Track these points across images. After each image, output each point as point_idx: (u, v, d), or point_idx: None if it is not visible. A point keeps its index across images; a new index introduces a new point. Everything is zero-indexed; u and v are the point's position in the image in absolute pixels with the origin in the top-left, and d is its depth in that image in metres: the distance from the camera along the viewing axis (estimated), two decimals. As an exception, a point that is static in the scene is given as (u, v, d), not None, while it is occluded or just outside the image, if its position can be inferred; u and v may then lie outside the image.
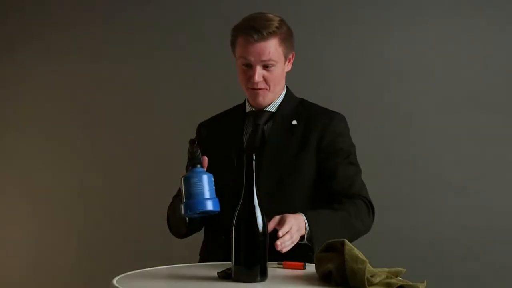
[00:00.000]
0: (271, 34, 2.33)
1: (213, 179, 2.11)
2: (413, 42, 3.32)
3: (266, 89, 2.39)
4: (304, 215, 2.19)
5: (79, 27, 3.73)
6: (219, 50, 3.53)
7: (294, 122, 2.42)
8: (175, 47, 3.60)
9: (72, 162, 3.74)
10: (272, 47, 2.34)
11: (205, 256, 2.48)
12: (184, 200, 2.10)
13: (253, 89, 2.39)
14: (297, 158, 2.36)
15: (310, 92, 3.08)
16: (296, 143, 2.38)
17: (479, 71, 3.26)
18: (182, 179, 2.11)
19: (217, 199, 2.10)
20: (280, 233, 2.04)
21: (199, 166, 2.13)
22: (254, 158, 1.90)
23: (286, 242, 2.04)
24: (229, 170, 2.36)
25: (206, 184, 2.10)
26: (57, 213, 3.77)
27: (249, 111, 2.47)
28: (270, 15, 2.38)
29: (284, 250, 2.05)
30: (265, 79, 2.38)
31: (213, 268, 2.01)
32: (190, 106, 3.56)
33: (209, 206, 2.08)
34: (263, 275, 1.88)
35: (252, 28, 2.33)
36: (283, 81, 2.45)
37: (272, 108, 2.45)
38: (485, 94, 3.25)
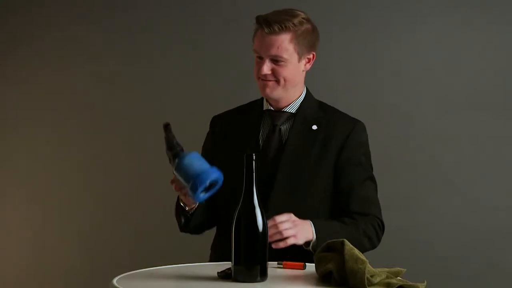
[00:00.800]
0: (283, 30, 2.32)
1: (199, 154, 2.08)
2: (413, 42, 3.31)
3: (276, 82, 2.37)
4: (312, 223, 2.20)
5: (79, 27, 3.73)
6: (220, 50, 3.53)
7: (315, 127, 2.40)
8: (175, 47, 3.60)
9: (73, 162, 3.74)
10: (283, 42, 2.33)
11: (216, 251, 2.48)
12: (188, 187, 2.04)
13: (262, 80, 2.38)
14: (316, 164, 2.35)
15: (310, 92, 3.08)
16: (316, 149, 2.36)
17: (479, 71, 3.26)
18: (174, 171, 2.09)
19: (214, 167, 2.04)
20: (277, 218, 2.08)
21: (179, 149, 2.10)
22: (254, 158, 1.90)
23: (284, 224, 2.09)
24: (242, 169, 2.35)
25: (196, 160, 2.06)
26: (57, 213, 3.76)
27: (266, 110, 2.45)
28: (294, 12, 2.37)
29: (285, 234, 2.09)
30: (274, 73, 2.36)
31: (213, 268, 2.01)
32: (190, 106, 3.56)
33: (212, 175, 2.02)
34: (263, 275, 1.88)
35: (265, 21, 2.33)
36: (299, 80, 2.42)
37: (292, 109, 2.43)
38: (485, 94, 3.25)
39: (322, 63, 3.38)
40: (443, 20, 3.29)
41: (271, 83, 2.38)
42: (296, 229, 2.14)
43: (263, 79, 2.37)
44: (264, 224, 1.88)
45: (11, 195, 3.84)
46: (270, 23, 2.32)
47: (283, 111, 2.43)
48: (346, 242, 1.86)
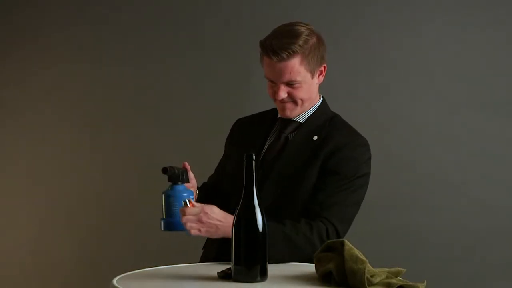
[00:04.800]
0: (291, 55, 2.31)
1: (192, 198, 2.19)
2: (413, 42, 3.31)
3: (293, 103, 2.40)
4: None
5: (80, 27, 3.73)
6: (220, 51, 3.53)
7: (315, 138, 2.40)
8: (175, 47, 3.60)
9: (72, 161, 3.74)
10: (294, 67, 2.33)
11: (208, 251, 2.50)
12: (164, 217, 2.18)
13: (280, 102, 2.40)
14: (304, 170, 2.34)
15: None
16: (309, 157, 2.36)
17: (479, 71, 3.26)
18: (162, 195, 2.20)
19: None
20: (188, 210, 2.12)
21: (179, 183, 2.21)
22: (254, 158, 1.90)
23: (189, 218, 2.12)
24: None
25: (181, 204, 2.17)
26: (57, 213, 3.77)
27: (279, 117, 2.48)
28: (296, 30, 2.34)
29: (187, 227, 2.12)
30: (290, 95, 2.38)
31: (213, 268, 2.01)
32: (191, 105, 3.57)
33: (180, 228, 2.16)
34: (263, 275, 1.88)
35: (271, 49, 2.31)
36: (314, 94, 2.43)
37: (301, 118, 2.44)
38: (485, 94, 3.25)
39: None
40: (443, 20, 3.29)
41: (289, 105, 2.40)
42: (201, 226, 2.14)
43: (281, 101, 2.39)
44: (264, 224, 1.88)
45: (11, 195, 3.84)
46: (277, 51, 2.31)
47: (293, 120, 2.44)
48: (346, 242, 1.86)
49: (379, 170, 3.28)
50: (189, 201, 2.15)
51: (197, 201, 2.34)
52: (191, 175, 2.33)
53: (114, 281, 1.89)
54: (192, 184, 2.33)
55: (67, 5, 3.75)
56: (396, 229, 3.29)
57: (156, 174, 3.57)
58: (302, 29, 2.36)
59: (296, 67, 2.33)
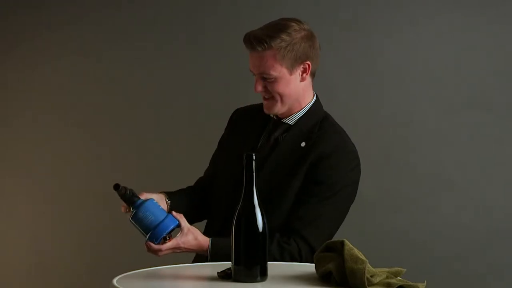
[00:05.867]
0: (265, 48, 2.28)
1: (154, 201, 2.23)
2: (413, 42, 3.32)
3: (272, 99, 2.36)
4: (211, 243, 2.26)
5: (80, 26, 3.73)
6: (220, 50, 3.53)
7: (303, 144, 2.35)
8: (176, 47, 3.60)
9: (72, 161, 3.74)
10: (267, 61, 2.30)
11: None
12: (146, 237, 2.22)
13: (263, 98, 2.38)
14: (288, 182, 2.31)
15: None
16: (295, 165, 2.32)
17: (479, 71, 3.26)
18: (130, 220, 2.25)
19: (170, 214, 2.22)
20: (163, 248, 2.20)
21: (136, 199, 2.25)
22: (254, 158, 1.90)
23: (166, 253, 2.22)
24: (235, 167, 2.35)
25: (152, 209, 2.21)
26: (57, 213, 3.77)
27: (271, 117, 2.44)
28: (283, 24, 2.32)
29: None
30: (267, 90, 2.34)
31: (213, 268, 2.01)
32: (190, 106, 3.57)
33: (170, 225, 2.20)
34: (263, 275, 1.88)
35: (248, 39, 2.31)
36: (298, 93, 2.37)
37: (291, 120, 2.40)
38: (485, 94, 3.25)
39: (322, 63, 3.40)
40: (443, 20, 3.29)
41: (268, 101, 2.36)
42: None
43: (263, 98, 2.37)
44: (264, 224, 1.88)
45: (10, 195, 3.84)
46: (251, 41, 2.29)
47: (282, 122, 2.40)
48: (346, 242, 1.86)
49: (379, 170, 3.29)
50: (169, 238, 2.21)
51: (182, 208, 2.38)
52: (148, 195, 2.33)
53: (114, 281, 1.89)
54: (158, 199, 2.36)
55: (67, 5, 3.75)
56: (396, 229, 3.29)
57: (156, 173, 3.60)
58: (291, 23, 2.32)
59: (269, 61, 2.29)
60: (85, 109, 3.74)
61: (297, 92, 2.37)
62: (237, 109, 2.59)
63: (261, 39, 2.28)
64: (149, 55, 3.64)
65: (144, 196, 2.29)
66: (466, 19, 3.27)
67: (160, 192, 2.43)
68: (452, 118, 3.27)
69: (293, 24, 2.32)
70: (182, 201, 2.46)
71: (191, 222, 2.37)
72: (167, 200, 2.40)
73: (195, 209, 2.50)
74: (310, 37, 2.36)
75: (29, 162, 3.81)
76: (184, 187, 2.59)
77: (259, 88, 2.34)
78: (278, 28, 2.31)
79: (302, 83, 2.37)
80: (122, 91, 3.69)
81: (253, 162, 1.90)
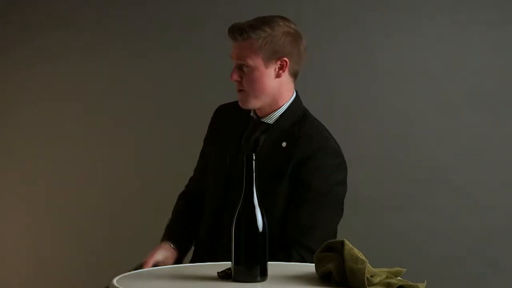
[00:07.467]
0: (244, 37, 2.31)
1: None
2: (413, 42, 3.32)
3: (245, 92, 2.35)
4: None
5: (80, 26, 3.73)
6: (220, 50, 3.53)
7: (284, 144, 2.33)
8: (176, 47, 3.60)
9: (72, 162, 3.74)
10: (245, 49, 2.32)
11: (199, 247, 2.52)
12: None
13: (237, 90, 2.39)
14: (273, 187, 2.29)
15: (310, 92, 3.07)
16: (278, 168, 2.30)
17: (479, 71, 3.26)
18: None
19: None
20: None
21: None
22: (254, 158, 1.90)
23: None
24: (221, 167, 2.38)
25: None
26: (57, 213, 3.76)
27: (252, 116, 2.43)
28: (268, 18, 2.34)
29: None
30: (242, 81, 2.35)
31: (213, 268, 2.01)
32: (190, 106, 3.56)
33: None
34: (263, 275, 1.88)
35: (230, 29, 2.34)
36: (273, 89, 2.35)
37: (270, 119, 2.38)
38: (485, 94, 3.25)
39: (322, 63, 3.40)
40: (442, 20, 3.29)
41: (240, 93, 2.37)
42: None
43: (237, 90, 2.37)
44: (264, 224, 1.88)
45: (10, 195, 3.84)
46: (234, 31, 2.32)
47: (261, 121, 2.39)
48: (346, 242, 1.86)
49: (379, 170, 3.30)
50: None
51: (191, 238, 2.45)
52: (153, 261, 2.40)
53: (114, 281, 1.89)
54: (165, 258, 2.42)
55: (67, 5, 3.75)
56: (396, 229, 3.29)
57: (156, 173, 3.60)
58: (276, 19, 2.34)
59: (247, 50, 2.31)
60: (85, 109, 3.73)
61: (271, 88, 2.36)
62: (220, 106, 2.57)
63: (242, 29, 2.31)
64: (149, 55, 3.64)
65: (149, 264, 2.37)
66: (466, 19, 3.27)
67: (162, 241, 2.47)
68: (452, 118, 3.27)
69: (278, 20, 2.34)
70: (188, 235, 2.49)
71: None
72: (173, 247, 2.44)
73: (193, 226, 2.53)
74: (294, 35, 2.36)
75: (29, 162, 3.81)
76: (179, 193, 2.60)
77: (235, 76, 2.35)
78: (262, 21, 2.34)
79: (278, 80, 2.36)
80: (122, 91, 3.69)
81: (253, 162, 1.90)
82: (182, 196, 2.58)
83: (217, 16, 3.54)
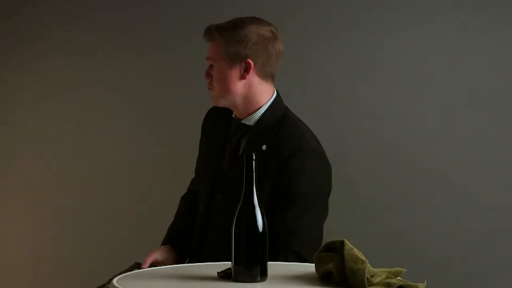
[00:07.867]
0: (213, 39, 2.39)
1: None
2: (413, 43, 3.31)
3: (212, 89, 2.41)
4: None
5: (80, 26, 3.73)
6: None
7: (264, 147, 2.34)
8: (176, 47, 3.60)
9: (72, 162, 3.74)
10: (213, 51, 2.40)
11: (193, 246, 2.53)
12: None
13: (207, 88, 2.45)
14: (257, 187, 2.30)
15: (310, 92, 3.08)
16: (260, 172, 2.27)
17: (479, 71, 3.26)
18: None
19: None
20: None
21: None
22: (254, 158, 1.90)
23: None
24: (208, 169, 2.42)
25: None
26: (57, 213, 3.76)
27: (234, 118, 2.45)
28: (237, 20, 2.41)
29: None
30: (211, 79, 2.42)
31: (213, 268, 2.01)
32: (190, 106, 3.56)
33: None
34: (263, 275, 1.88)
35: (205, 29, 2.43)
36: (235, 89, 2.38)
37: (250, 121, 2.40)
38: (485, 94, 3.25)
39: (322, 63, 3.40)
40: (442, 20, 3.29)
41: (210, 92, 2.43)
42: None
43: (207, 86, 2.44)
44: (264, 224, 1.88)
45: (9, 195, 3.84)
46: (205, 31, 2.41)
47: (242, 123, 2.40)
48: (346, 242, 1.86)
49: (379, 170, 3.29)
50: None
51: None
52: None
53: (114, 281, 1.89)
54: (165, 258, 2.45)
55: (67, 5, 3.75)
56: (395, 229, 3.29)
57: (156, 174, 3.60)
58: (247, 21, 2.40)
59: (214, 50, 2.39)
60: (85, 109, 3.73)
61: (237, 88, 2.38)
62: (210, 109, 2.60)
63: (211, 30, 2.39)
64: (149, 55, 3.64)
65: (147, 263, 2.39)
66: (466, 19, 3.27)
67: (161, 246, 2.50)
68: (452, 118, 3.27)
69: (248, 22, 2.40)
70: (188, 236, 2.51)
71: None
72: (172, 249, 2.47)
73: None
74: (263, 38, 2.38)
75: (29, 162, 3.81)
76: (181, 194, 2.61)
77: (205, 75, 2.42)
78: (231, 23, 2.41)
79: (244, 81, 2.38)
80: (122, 91, 3.68)
81: (253, 162, 1.90)
82: (184, 198, 2.60)
83: (218, 16, 3.53)
